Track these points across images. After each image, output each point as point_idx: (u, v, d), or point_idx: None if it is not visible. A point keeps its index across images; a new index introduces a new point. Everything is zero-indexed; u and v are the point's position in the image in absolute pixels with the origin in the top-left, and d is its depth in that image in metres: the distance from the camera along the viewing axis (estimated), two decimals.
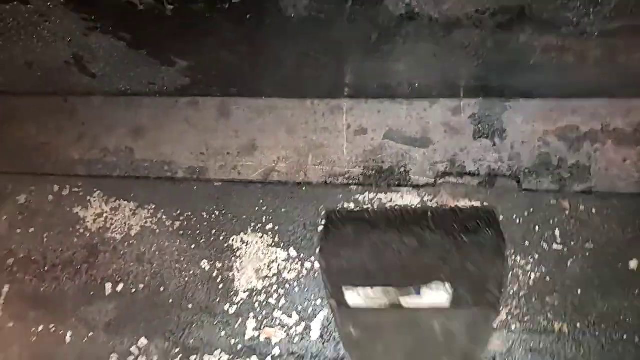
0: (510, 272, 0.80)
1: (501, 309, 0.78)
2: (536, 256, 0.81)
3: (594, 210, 0.81)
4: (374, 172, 1.00)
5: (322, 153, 1.05)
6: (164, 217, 0.93)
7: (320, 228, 0.85)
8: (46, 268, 0.94)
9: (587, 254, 0.79)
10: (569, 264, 0.80)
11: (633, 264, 0.78)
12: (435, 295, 0.76)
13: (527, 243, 0.82)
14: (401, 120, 1.03)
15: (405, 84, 1.02)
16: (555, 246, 0.81)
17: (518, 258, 0.81)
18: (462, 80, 1.00)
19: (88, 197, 0.98)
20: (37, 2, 0.86)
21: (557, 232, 0.82)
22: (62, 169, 1.06)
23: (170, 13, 0.86)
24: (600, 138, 0.97)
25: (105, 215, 0.96)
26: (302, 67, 1.00)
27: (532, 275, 0.80)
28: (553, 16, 0.78)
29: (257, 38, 0.92)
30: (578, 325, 0.77)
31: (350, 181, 1.00)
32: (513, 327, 0.78)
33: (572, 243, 0.80)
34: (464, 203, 0.85)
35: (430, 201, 0.85)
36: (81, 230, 0.96)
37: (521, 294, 0.79)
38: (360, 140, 1.04)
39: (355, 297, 0.78)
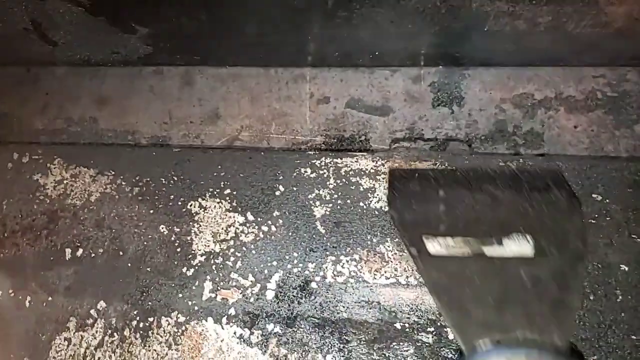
0: None
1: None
2: None
3: (538, 169, 0.84)
4: (335, 141, 1.01)
5: (285, 122, 1.05)
6: (123, 183, 0.94)
7: (387, 185, 0.84)
8: (5, 234, 0.94)
9: None
10: None
11: None
12: (518, 246, 0.77)
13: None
14: (363, 89, 1.04)
15: (367, 52, 1.03)
16: None
17: None
18: (422, 49, 1.01)
19: (48, 164, 0.98)
20: None
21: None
22: (26, 139, 1.06)
23: None
24: (553, 105, 0.99)
25: (65, 182, 0.96)
26: (264, 35, 1.00)
27: None
28: None
29: (217, 5, 0.92)
30: None
31: (313, 150, 1.01)
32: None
33: None
34: (418, 167, 0.87)
35: (383, 165, 0.87)
36: (41, 197, 0.96)
37: None
38: (322, 108, 1.04)
39: (437, 246, 0.77)
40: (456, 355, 0.75)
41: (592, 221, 0.80)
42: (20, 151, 0.98)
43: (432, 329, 0.78)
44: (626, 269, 0.77)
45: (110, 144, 0.98)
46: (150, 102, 1.07)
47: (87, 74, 1.11)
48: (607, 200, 0.81)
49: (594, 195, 0.82)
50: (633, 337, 0.75)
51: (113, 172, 0.94)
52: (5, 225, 0.95)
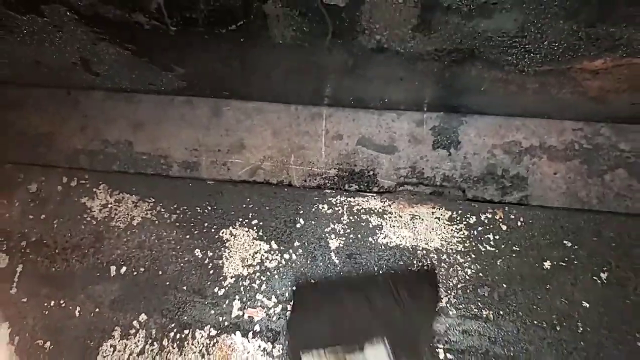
0: (451, 268, 0.97)
1: (443, 298, 0.95)
2: (474, 255, 0.98)
3: (521, 219, 0.99)
4: (347, 174, 1.15)
5: (303, 154, 1.19)
6: (162, 210, 1.07)
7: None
8: (57, 250, 1.08)
9: (513, 255, 0.97)
10: (498, 262, 0.97)
11: (547, 264, 0.97)
12: (376, 352, 0.86)
13: (466, 244, 0.99)
14: (372, 129, 1.18)
15: (377, 98, 1.17)
16: (489, 248, 0.99)
17: (458, 257, 0.98)
18: (426, 98, 1.15)
19: (94, 189, 1.11)
20: (52, 16, 0.97)
21: (490, 236, 0.99)
22: (65, 158, 1.18)
23: (173, 32, 0.98)
24: (537, 153, 1.14)
25: (109, 206, 1.10)
26: (288, 81, 1.14)
27: (468, 271, 0.98)
28: (497, 57, 0.93)
29: (249, 57, 1.05)
30: (501, 312, 0.95)
31: (327, 181, 1.15)
32: (450, 313, 0.95)
33: (503, 246, 0.98)
34: (417, 209, 1.01)
35: (390, 205, 1.01)
36: (88, 218, 1.09)
37: (459, 286, 0.96)
38: (336, 144, 1.18)
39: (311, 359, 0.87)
40: None
41: (562, 264, 0.96)
42: (69, 175, 1.11)
43: (425, 350, 0.94)
44: (587, 305, 0.94)
45: (151, 174, 1.11)
46: (182, 129, 1.19)
47: (122, 99, 1.22)
48: (576, 247, 0.97)
49: (565, 242, 0.98)
50: None
51: (153, 200, 1.07)
52: (56, 242, 1.08)
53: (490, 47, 0.92)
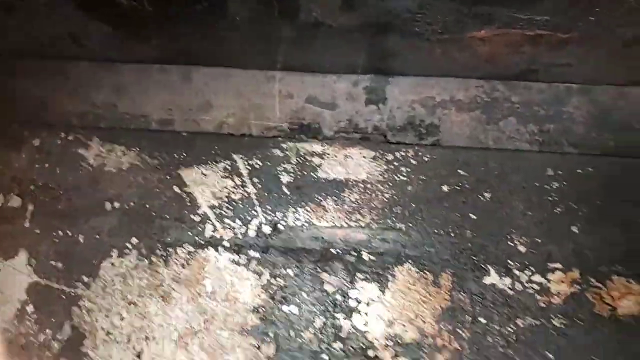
0: (373, 194, 1.27)
1: (366, 214, 1.25)
2: (390, 183, 1.28)
3: (427, 156, 1.29)
4: (297, 127, 1.43)
5: (260, 111, 1.45)
6: (146, 156, 1.33)
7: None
8: (60, 192, 1.33)
9: (420, 182, 1.28)
10: (408, 188, 1.28)
11: (445, 188, 1.28)
12: None
13: (385, 176, 1.29)
14: (317, 89, 1.45)
15: (321, 63, 1.44)
16: (402, 177, 1.29)
17: (379, 185, 1.28)
18: (359, 63, 1.43)
19: (88, 142, 1.36)
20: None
21: (403, 169, 1.30)
22: (61, 118, 1.42)
23: (149, 10, 1.23)
24: (448, 106, 1.43)
25: (102, 155, 1.35)
26: (247, 50, 1.39)
27: (386, 195, 1.28)
28: (407, 29, 1.21)
29: (214, 30, 1.30)
30: (410, 224, 1.26)
31: (280, 132, 1.43)
32: (373, 225, 1.26)
33: (412, 176, 1.28)
34: (349, 151, 1.31)
35: (328, 148, 1.30)
36: (85, 165, 1.34)
37: (379, 206, 1.27)
38: (288, 102, 1.44)
39: None
40: None
41: (457, 187, 1.27)
42: (66, 132, 1.35)
43: (354, 253, 1.25)
44: (475, 217, 1.25)
45: (134, 129, 1.37)
46: (158, 92, 1.43)
47: (107, 68, 1.45)
48: (467, 175, 1.28)
49: (459, 171, 1.29)
50: None
51: (138, 149, 1.33)
52: (59, 185, 1.33)
53: (401, 21, 1.19)
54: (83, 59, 1.47)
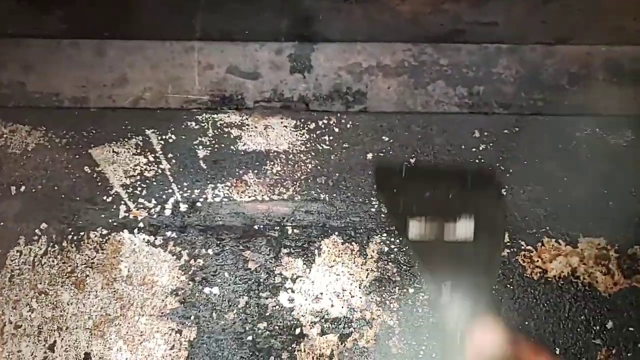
0: (296, 164, 1.21)
1: (289, 186, 1.19)
2: (313, 153, 1.22)
3: (350, 123, 1.23)
4: (218, 99, 1.36)
5: (179, 84, 1.37)
6: (53, 136, 1.24)
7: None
8: None
9: (343, 151, 1.22)
10: (332, 157, 1.22)
11: (369, 156, 1.22)
12: (466, 226, 1.05)
13: (307, 145, 1.23)
14: (239, 59, 1.38)
15: (241, 31, 1.36)
16: (325, 146, 1.23)
17: (301, 155, 1.22)
18: (282, 29, 1.36)
19: None
20: None
21: (326, 137, 1.24)
22: None
23: None
24: (374, 72, 1.38)
25: (5, 136, 1.25)
26: (161, 20, 1.31)
27: (309, 166, 1.22)
28: None
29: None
30: (334, 195, 1.21)
31: (201, 106, 1.35)
32: (296, 198, 1.20)
33: (335, 144, 1.23)
34: (269, 120, 1.24)
35: (247, 119, 1.23)
36: None
37: (302, 177, 1.21)
38: (208, 73, 1.37)
39: (414, 230, 1.07)
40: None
41: (381, 154, 1.22)
42: None
43: (278, 228, 1.19)
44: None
45: (40, 107, 1.27)
46: (69, 68, 1.34)
47: (11, 44, 1.35)
48: (392, 141, 1.23)
49: (383, 137, 1.24)
50: None
51: (45, 128, 1.24)
52: None
53: None
54: None
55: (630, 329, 1.14)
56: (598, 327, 1.14)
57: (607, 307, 1.14)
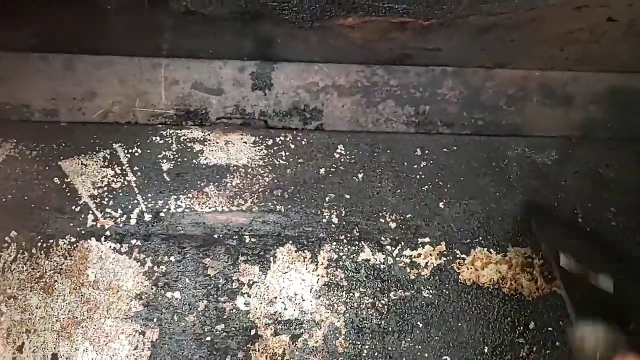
0: (254, 178, 1.32)
1: (247, 198, 1.29)
2: (270, 167, 1.32)
3: (305, 140, 1.34)
4: (184, 113, 1.45)
5: (146, 98, 1.46)
6: (24, 148, 1.31)
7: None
8: None
9: (298, 166, 1.33)
10: (287, 171, 1.33)
11: (322, 171, 1.33)
12: (605, 283, 1.10)
13: (265, 160, 1.33)
14: (203, 75, 1.46)
15: (205, 50, 1.45)
16: (281, 161, 1.34)
17: (259, 169, 1.32)
18: (244, 49, 1.45)
19: None
20: None
21: (282, 153, 1.34)
22: None
23: None
24: (330, 90, 1.48)
25: None
26: (129, 38, 1.38)
27: (267, 179, 1.32)
28: (278, 17, 1.24)
29: (89, 18, 1.28)
30: (289, 206, 1.31)
31: (167, 120, 1.44)
32: (254, 209, 1.30)
33: (291, 159, 1.33)
34: (230, 136, 1.34)
35: (209, 135, 1.33)
36: None
37: (260, 190, 1.31)
38: (174, 89, 1.46)
39: (565, 261, 1.14)
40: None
41: (332, 169, 1.33)
42: None
43: (236, 237, 1.29)
44: (348, 196, 1.32)
45: (11, 119, 1.34)
46: (39, 81, 1.41)
47: None
48: (343, 156, 1.34)
49: (335, 154, 1.34)
50: None
51: (15, 140, 1.31)
52: None
53: (269, 9, 1.22)
54: None
55: (550, 328, 1.28)
56: (522, 327, 1.27)
57: (529, 309, 1.27)
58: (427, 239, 1.30)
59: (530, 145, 1.35)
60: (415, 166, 1.33)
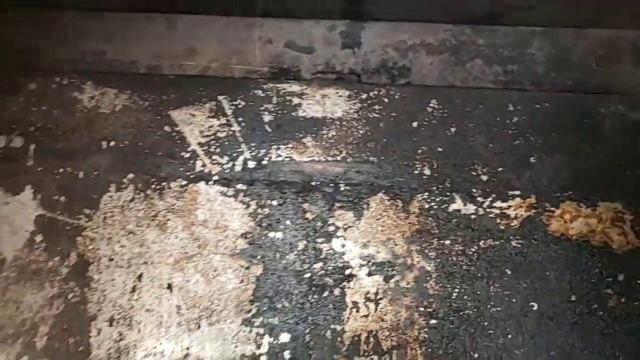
0: (349, 130, 1.39)
1: (342, 149, 1.37)
2: (364, 120, 1.39)
3: (398, 94, 1.40)
4: (277, 70, 1.53)
5: (242, 56, 1.54)
6: (137, 98, 1.43)
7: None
8: (59, 132, 1.43)
9: (391, 119, 1.39)
10: (380, 124, 1.39)
11: (415, 124, 1.39)
12: None
13: (359, 113, 1.40)
14: (295, 34, 1.54)
15: (298, 10, 1.52)
16: (375, 115, 1.40)
17: (354, 122, 1.39)
18: (335, 9, 1.51)
19: (82, 86, 1.45)
20: None
21: (376, 107, 1.41)
22: (53, 64, 1.50)
23: None
24: (418, 49, 1.53)
25: (96, 97, 1.44)
26: None
27: (361, 131, 1.40)
28: None
29: None
30: (382, 158, 1.38)
31: (262, 77, 1.52)
32: (348, 159, 1.38)
33: (384, 113, 1.40)
34: (325, 90, 1.41)
35: (306, 89, 1.40)
36: (80, 108, 1.44)
37: (354, 142, 1.38)
38: (268, 47, 1.54)
39: None
40: None
41: (425, 122, 1.38)
42: (60, 76, 1.44)
43: (332, 185, 1.37)
44: (441, 149, 1.38)
45: (125, 73, 1.46)
46: (144, 40, 1.52)
47: (93, 17, 1.52)
48: (435, 109, 1.39)
49: (427, 108, 1.40)
50: None
51: (130, 92, 1.42)
52: (57, 126, 1.43)
53: None
54: (68, 9, 1.54)
55: (639, 282, 1.31)
56: (611, 279, 1.31)
57: (619, 262, 1.31)
58: (517, 192, 1.35)
59: (622, 102, 1.36)
60: (508, 121, 1.37)
